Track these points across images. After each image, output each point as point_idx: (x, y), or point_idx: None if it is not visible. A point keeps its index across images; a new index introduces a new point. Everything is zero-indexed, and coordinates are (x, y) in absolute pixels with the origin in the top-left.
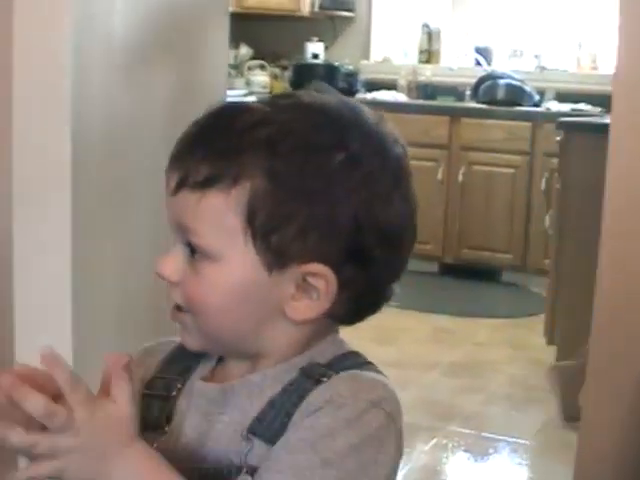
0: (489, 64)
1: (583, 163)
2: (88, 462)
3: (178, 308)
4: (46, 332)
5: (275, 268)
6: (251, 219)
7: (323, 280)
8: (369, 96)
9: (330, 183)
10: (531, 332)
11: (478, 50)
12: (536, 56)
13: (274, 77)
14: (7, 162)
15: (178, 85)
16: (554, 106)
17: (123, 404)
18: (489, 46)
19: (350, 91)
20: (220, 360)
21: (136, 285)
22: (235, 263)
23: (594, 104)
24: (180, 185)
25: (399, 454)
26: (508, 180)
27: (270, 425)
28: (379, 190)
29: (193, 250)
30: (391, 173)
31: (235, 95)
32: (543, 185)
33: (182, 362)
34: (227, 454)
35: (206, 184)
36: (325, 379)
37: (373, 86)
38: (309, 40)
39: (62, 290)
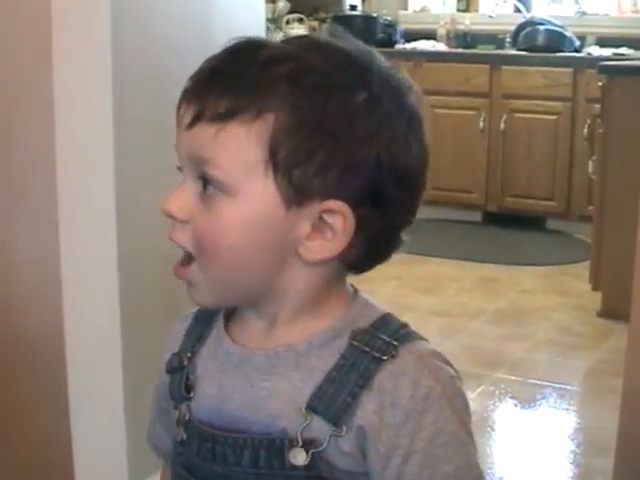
0: (528, 10)
1: (626, 107)
2: None
3: (182, 263)
4: (93, 271)
5: (294, 204)
6: (273, 153)
7: (340, 217)
8: (408, 46)
9: (352, 121)
10: (576, 279)
11: None
12: (576, 1)
13: (312, 30)
14: (50, 103)
15: (215, 42)
16: (595, 51)
17: None
18: None
19: (389, 42)
20: (229, 320)
21: None
22: (253, 198)
23: (636, 48)
24: (197, 118)
25: None
26: (550, 127)
27: (331, 403)
28: (397, 131)
29: (206, 185)
30: (407, 116)
31: None
32: (585, 131)
33: (196, 331)
34: (275, 423)
35: (227, 116)
36: (385, 357)
37: (412, 36)
38: None
39: (108, 232)
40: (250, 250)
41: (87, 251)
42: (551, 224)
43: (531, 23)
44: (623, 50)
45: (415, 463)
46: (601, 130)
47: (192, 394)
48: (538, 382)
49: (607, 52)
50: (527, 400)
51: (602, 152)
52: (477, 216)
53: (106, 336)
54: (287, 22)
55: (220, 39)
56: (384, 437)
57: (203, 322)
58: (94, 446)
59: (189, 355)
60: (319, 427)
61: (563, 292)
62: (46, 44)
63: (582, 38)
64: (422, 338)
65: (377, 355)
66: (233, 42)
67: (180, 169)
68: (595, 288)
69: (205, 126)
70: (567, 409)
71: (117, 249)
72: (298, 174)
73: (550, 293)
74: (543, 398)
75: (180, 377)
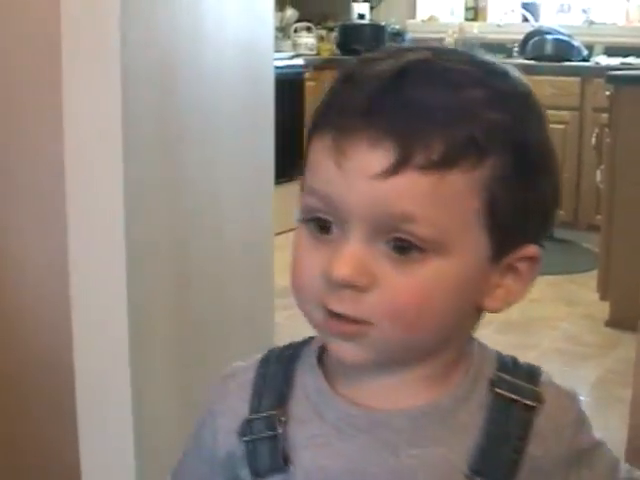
0: (536, 20)
1: (634, 116)
2: None
3: (341, 317)
4: (100, 274)
5: (499, 254)
6: (492, 202)
7: (532, 262)
8: None
9: (549, 153)
10: (584, 288)
11: (525, 6)
12: (584, 10)
13: (320, 39)
14: (58, 100)
15: (225, 51)
16: (603, 60)
17: None
18: (536, 1)
19: None
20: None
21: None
22: (466, 254)
23: None
24: (399, 166)
25: None
26: (558, 136)
27: (498, 463)
28: None
29: (400, 245)
30: None
31: (282, 57)
32: (593, 140)
33: (271, 389)
34: None
35: (447, 164)
36: (536, 404)
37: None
38: (355, 0)
39: (115, 236)
40: (449, 310)
41: (95, 258)
42: (559, 233)
43: (539, 32)
44: (631, 59)
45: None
46: (609, 139)
47: (290, 468)
48: None
49: (615, 61)
50: None
51: (610, 161)
52: None
53: (114, 343)
54: (295, 30)
55: (229, 48)
56: (549, 467)
57: (277, 377)
58: (102, 453)
59: (283, 419)
60: None
61: (571, 301)
62: (55, 47)
63: (590, 47)
64: (529, 363)
65: (529, 403)
66: (397, 63)
67: (317, 220)
68: (603, 297)
69: (414, 176)
70: None
71: (126, 257)
72: (511, 220)
73: (558, 302)
74: None
75: (271, 446)
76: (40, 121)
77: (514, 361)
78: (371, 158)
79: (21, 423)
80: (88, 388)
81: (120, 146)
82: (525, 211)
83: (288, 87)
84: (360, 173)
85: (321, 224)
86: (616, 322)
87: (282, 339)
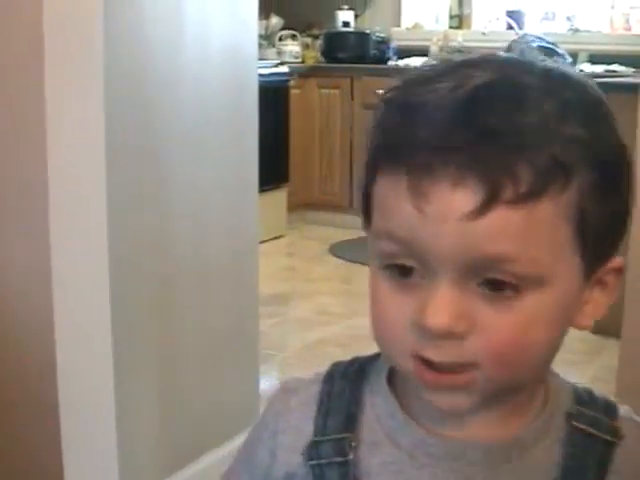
0: (521, 27)
1: (618, 124)
2: None
3: (440, 367)
4: (84, 303)
5: (590, 273)
6: (582, 222)
7: (618, 273)
8: (401, 63)
9: (628, 156)
10: None
11: (510, 13)
12: (568, 18)
13: (305, 46)
14: (42, 124)
15: (209, 59)
16: (587, 68)
17: None
18: (521, 9)
19: (382, 58)
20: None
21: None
22: (561, 282)
23: (628, 65)
24: (489, 203)
25: None
26: None
27: None
28: None
29: (495, 285)
30: None
31: (267, 65)
32: None
33: (338, 408)
34: None
35: (537, 194)
36: (615, 439)
37: (405, 53)
38: (340, 8)
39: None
40: (551, 340)
41: (78, 262)
42: None
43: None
44: (615, 67)
45: None
46: None
47: None
48: None
49: (599, 69)
50: None
51: None
52: None
53: (97, 345)
54: (280, 39)
55: (213, 56)
56: None
57: (343, 396)
58: (84, 456)
59: (354, 444)
60: None
61: None
62: (38, 64)
63: (574, 55)
64: (606, 396)
65: (609, 438)
66: (462, 88)
67: (398, 266)
68: None
69: (504, 213)
70: None
71: (109, 264)
72: (600, 236)
73: None
74: None
75: (341, 472)
76: (24, 136)
77: (590, 393)
78: (456, 199)
79: (2, 426)
80: (71, 392)
81: (103, 157)
82: (612, 224)
83: (273, 95)
84: (446, 217)
85: (401, 269)
86: (602, 329)
87: (267, 347)
